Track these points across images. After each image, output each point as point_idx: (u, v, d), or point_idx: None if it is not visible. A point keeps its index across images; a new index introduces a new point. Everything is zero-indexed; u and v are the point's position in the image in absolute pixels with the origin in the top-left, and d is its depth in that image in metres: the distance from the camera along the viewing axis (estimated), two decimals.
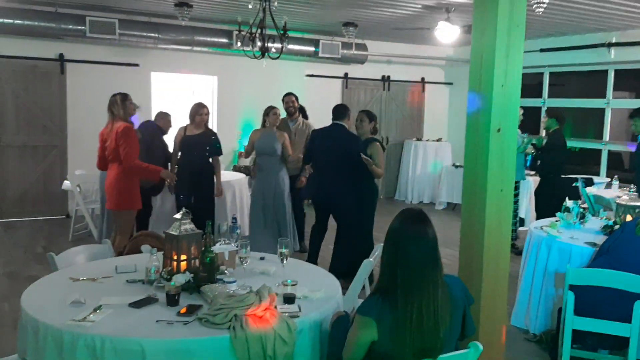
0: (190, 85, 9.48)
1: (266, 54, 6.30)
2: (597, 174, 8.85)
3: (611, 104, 8.90)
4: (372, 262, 3.57)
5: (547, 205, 6.38)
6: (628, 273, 3.34)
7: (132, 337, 2.28)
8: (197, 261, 2.93)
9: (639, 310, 3.22)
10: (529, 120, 9.55)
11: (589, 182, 7.39)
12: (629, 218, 4.46)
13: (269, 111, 6.21)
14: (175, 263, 2.89)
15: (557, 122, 6.91)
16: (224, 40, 8.78)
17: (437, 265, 2.30)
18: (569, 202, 4.77)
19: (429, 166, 10.71)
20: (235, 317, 2.39)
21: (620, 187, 7.01)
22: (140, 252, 3.60)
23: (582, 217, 4.69)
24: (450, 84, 11.47)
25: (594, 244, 4.07)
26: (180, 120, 6.70)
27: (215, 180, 6.13)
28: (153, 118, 6.64)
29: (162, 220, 6.45)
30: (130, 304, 2.59)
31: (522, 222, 8.31)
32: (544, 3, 5.84)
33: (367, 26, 8.70)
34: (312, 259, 5.67)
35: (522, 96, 3.49)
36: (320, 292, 2.80)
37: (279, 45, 6.17)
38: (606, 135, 9.01)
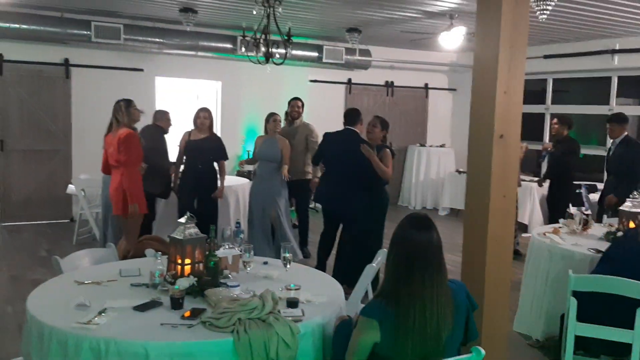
0: (195, 90, 9.52)
1: (270, 59, 6.33)
2: (601, 181, 8.82)
3: (615, 110, 8.90)
4: (375, 268, 3.58)
5: (561, 211, 6.31)
6: (631, 280, 3.34)
7: (137, 340, 2.29)
8: (201, 265, 2.95)
9: None
10: (532, 127, 9.57)
11: (593, 189, 7.39)
12: (631, 225, 4.47)
13: (269, 118, 6.29)
14: (179, 267, 2.91)
15: (569, 128, 6.97)
16: (228, 45, 8.82)
17: (441, 270, 2.31)
18: (572, 209, 4.77)
19: (432, 172, 10.72)
20: (239, 320, 2.41)
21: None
22: (145, 256, 3.61)
23: (585, 223, 4.69)
24: (454, 90, 11.49)
25: (597, 251, 4.07)
26: (184, 125, 6.73)
27: (219, 183, 6.16)
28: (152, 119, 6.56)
29: (165, 224, 6.47)
30: (135, 307, 2.60)
31: (525, 228, 8.31)
32: (547, 10, 5.85)
33: (370, 32, 8.73)
34: (321, 266, 5.59)
35: (526, 102, 3.50)
36: (323, 297, 2.81)
37: (283, 51, 6.20)
38: (609, 142, 9.00)
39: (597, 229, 4.73)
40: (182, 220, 2.98)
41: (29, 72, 8.16)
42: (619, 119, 6.07)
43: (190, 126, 6.21)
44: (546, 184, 7.46)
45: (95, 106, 8.18)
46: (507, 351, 3.64)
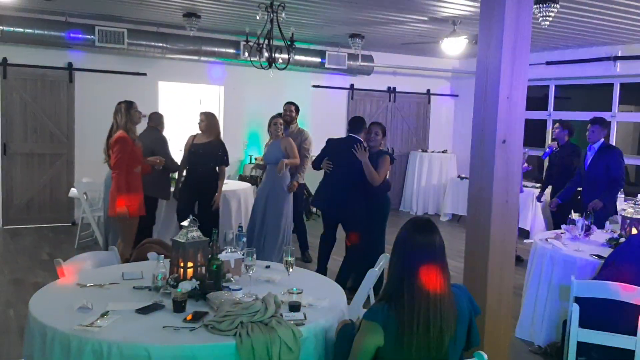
0: (197, 94, 9.54)
1: (273, 64, 6.36)
2: None
3: (617, 117, 8.91)
4: (377, 272, 3.58)
5: (564, 216, 6.24)
6: (634, 286, 3.34)
7: (139, 342, 2.29)
8: (204, 268, 2.95)
9: None
10: (534, 133, 9.57)
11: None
12: (634, 231, 4.47)
13: (270, 121, 6.31)
14: (181, 270, 2.91)
15: (570, 134, 6.96)
16: (231, 50, 8.85)
17: (444, 274, 2.31)
18: (574, 215, 4.77)
19: (434, 178, 10.72)
20: (241, 324, 2.41)
21: (625, 200, 7.00)
22: (147, 259, 3.62)
23: (588, 229, 4.68)
24: (456, 96, 11.50)
25: (599, 256, 4.07)
26: (187, 129, 6.77)
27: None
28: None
29: (167, 228, 6.49)
30: (137, 310, 2.61)
31: (527, 234, 8.31)
32: (550, 16, 5.87)
33: (373, 38, 8.76)
34: (321, 270, 5.64)
35: (528, 109, 3.51)
36: (325, 301, 2.81)
37: (285, 56, 6.22)
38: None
39: (600, 235, 4.73)
40: (185, 223, 2.99)
41: (33, 76, 8.19)
42: (604, 122, 5.96)
43: (191, 130, 6.26)
44: (548, 189, 7.42)
45: (98, 110, 8.18)
46: (509, 357, 3.63)
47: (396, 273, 2.31)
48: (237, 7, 6.99)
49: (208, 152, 6.07)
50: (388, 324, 2.24)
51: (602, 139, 5.89)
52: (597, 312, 3.50)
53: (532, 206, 8.30)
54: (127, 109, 5.24)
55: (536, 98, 9.71)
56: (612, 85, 8.91)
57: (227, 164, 6.22)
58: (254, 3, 6.27)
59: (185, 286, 2.74)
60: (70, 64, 8.35)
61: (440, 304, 2.26)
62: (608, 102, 8.97)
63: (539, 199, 7.65)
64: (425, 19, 7.22)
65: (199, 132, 6.16)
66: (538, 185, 8.29)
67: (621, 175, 5.77)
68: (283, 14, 5.94)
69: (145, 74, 8.74)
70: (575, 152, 6.85)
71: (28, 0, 6.53)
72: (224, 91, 9.49)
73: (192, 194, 6.12)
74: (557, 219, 6.79)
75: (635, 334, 3.24)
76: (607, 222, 5.48)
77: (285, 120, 6.87)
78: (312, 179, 6.91)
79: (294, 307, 2.65)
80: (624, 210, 4.99)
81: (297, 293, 2.75)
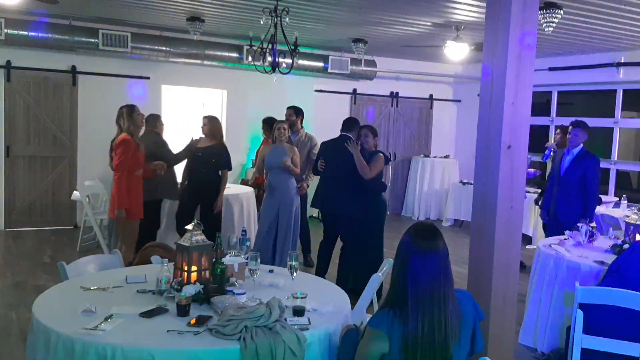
0: (200, 98, 9.55)
1: (277, 69, 6.36)
2: (606, 193, 8.82)
3: (620, 123, 8.91)
4: (380, 277, 3.57)
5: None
6: (638, 292, 3.33)
7: (143, 346, 2.28)
8: (208, 272, 2.94)
9: None
10: (537, 139, 9.56)
11: (598, 201, 7.35)
12: (638, 237, 4.46)
13: (274, 126, 6.25)
14: (185, 274, 2.91)
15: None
16: (234, 54, 8.87)
17: (448, 279, 2.30)
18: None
19: (436, 183, 10.71)
20: (246, 328, 2.40)
21: (628, 206, 6.98)
22: (150, 262, 3.61)
23: (591, 235, 4.68)
24: (458, 101, 11.50)
25: (603, 263, 4.06)
26: (189, 133, 6.77)
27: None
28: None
29: (170, 232, 6.47)
30: (141, 313, 2.60)
31: (529, 240, 8.29)
32: (553, 22, 5.88)
33: (376, 43, 8.76)
34: (321, 273, 5.68)
35: (531, 114, 3.50)
36: (329, 306, 2.80)
37: (289, 61, 6.22)
38: (614, 155, 9.00)
39: (603, 242, 4.72)
40: (189, 227, 2.98)
41: (36, 79, 8.20)
42: (585, 126, 5.80)
43: (193, 133, 6.29)
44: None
45: (101, 113, 8.20)
46: None
47: (399, 279, 2.30)
48: (241, 11, 7.00)
49: (211, 155, 6.06)
50: (393, 331, 2.23)
51: (582, 144, 5.73)
52: (601, 319, 3.48)
53: (533, 211, 8.28)
54: (129, 113, 5.26)
55: (539, 104, 9.71)
56: (615, 91, 8.91)
57: (229, 168, 6.22)
58: (258, 7, 6.28)
59: (189, 290, 2.73)
60: (73, 67, 8.36)
61: (444, 310, 2.24)
62: (611, 108, 8.97)
63: (537, 202, 7.63)
64: (429, 24, 7.23)
65: (202, 135, 6.17)
66: (540, 190, 8.27)
67: (597, 190, 5.62)
68: (287, 19, 5.95)
69: (148, 78, 8.75)
70: None
71: (32, 3, 6.54)
72: (226, 95, 9.50)
73: (194, 198, 6.13)
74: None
75: (639, 341, 3.23)
76: (611, 229, 5.47)
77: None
78: (312, 184, 6.89)
79: (298, 311, 2.64)
80: (627, 216, 4.98)
81: (302, 297, 2.74)
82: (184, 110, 9.36)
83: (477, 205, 3.50)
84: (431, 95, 11.32)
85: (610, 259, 4.09)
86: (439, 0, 6.04)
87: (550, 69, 9.43)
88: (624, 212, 6.55)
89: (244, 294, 2.82)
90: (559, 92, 9.80)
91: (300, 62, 8.84)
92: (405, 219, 10.60)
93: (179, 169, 6.48)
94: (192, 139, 6.27)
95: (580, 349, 3.42)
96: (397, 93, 10.96)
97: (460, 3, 6.09)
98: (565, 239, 4.70)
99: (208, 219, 5.94)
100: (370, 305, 3.63)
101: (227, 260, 3.12)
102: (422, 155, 11.05)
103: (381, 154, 5.56)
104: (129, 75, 8.63)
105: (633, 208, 6.43)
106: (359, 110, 10.59)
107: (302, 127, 7.03)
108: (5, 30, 7.48)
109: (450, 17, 6.77)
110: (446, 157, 11.04)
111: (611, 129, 9.04)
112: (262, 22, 6.00)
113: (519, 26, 3.27)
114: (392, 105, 10.98)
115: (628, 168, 9.11)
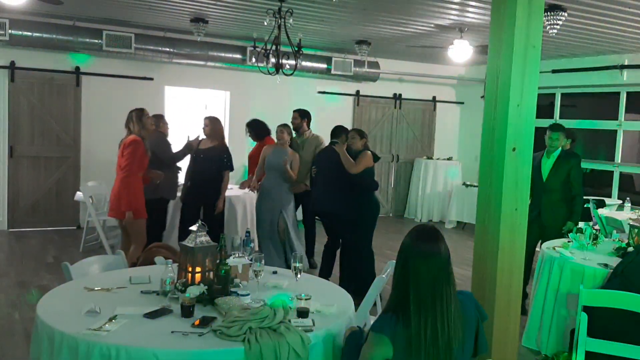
0: (203, 99, 9.56)
1: (280, 70, 6.37)
2: (609, 196, 8.81)
3: (623, 125, 8.89)
4: (384, 279, 3.56)
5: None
6: None
7: (147, 347, 2.28)
8: (212, 273, 2.94)
9: None
10: (540, 141, 9.54)
11: (601, 204, 7.35)
12: None
13: (277, 129, 6.31)
14: (190, 275, 2.91)
15: (572, 142, 6.88)
16: (238, 56, 8.88)
17: (450, 282, 2.29)
18: (581, 223, 4.75)
19: (439, 185, 10.70)
20: (250, 329, 2.40)
21: (632, 209, 6.97)
22: (154, 263, 3.61)
23: (595, 238, 4.66)
24: (462, 103, 11.49)
25: (607, 265, 4.05)
26: (191, 134, 6.77)
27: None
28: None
29: (171, 232, 6.47)
30: (145, 314, 2.60)
31: None
32: (557, 24, 5.87)
33: (380, 44, 8.77)
34: (325, 275, 5.72)
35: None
36: (333, 307, 2.80)
37: (293, 62, 6.23)
38: (618, 157, 8.99)
39: (607, 244, 4.71)
40: (194, 228, 2.98)
41: (40, 80, 8.22)
42: (564, 129, 5.70)
43: (196, 135, 6.29)
44: None
45: (105, 114, 8.25)
46: None
47: (401, 282, 2.30)
48: (245, 13, 7.01)
49: (213, 156, 6.07)
50: (396, 336, 2.23)
51: (560, 147, 5.63)
52: (605, 322, 3.47)
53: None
54: (138, 116, 5.27)
55: (542, 106, 9.69)
56: (618, 94, 8.90)
57: (231, 169, 6.22)
58: (261, 9, 6.29)
59: (194, 291, 2.73)
60: (77, 68, 8.38)
61: (447, 313, 2.24)
62: (614, 110, 8.96)
63: None
64: (432, 26, 7.23)
65: (202, 135, 6.18)
66: None
67: (582, 190, 5.47)
68: (291, 20, 5.95)
69: (152, 79, 8.76)
70: (579, 160, 6.78)
71: (36, 4, 6.56)
72: (229, 96, 9.50)
73: (196, 199, 6.13)
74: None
75: None
76: (614, 231, 5.45)
77: (293, 127, 6.90)
78: None
79: (302, 313, 2.64)
80: (631, 219, 4.97)
81: (306, 299, 2.74)
82: (187, 111, 9.36)
83: (481, 207, 3.50)
84: (434, 97, 11.31)
85: (614, 261, 4.08)
86: (442, 2, 6.04)
87: (554, 71, 9.41)
88: (627, 214, 6.55)
89: (248, 295, 2.82)
90: (563, 94, 9.78)
91: (303, 63, 8.89)
92: (408, 220, 10.59)
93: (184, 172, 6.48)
94: (189, 137, 6.27)
95: (584, 352, 3.41)
96: (400, 95, 10.95)
97: (463, 5, 6.09)
98: (569, 241, 4.68)
99: (210, 219, 5.93)
100: (373, 306, 3.63)
101: (230, 261, 3.11)
102: (425, 157, 11.04)
103: (368, 152, 5.68)
104: (133, 76, 8.65)
105: (637, 211, 6.44)
106: (362, 112, 10.59)
107: (308, 128, 7.04)
108: (10, 31, 7.50)
109: (454, 19, 6.77)
110: (449, 159, 11.03)
111: (615, 132, 9.03)
112: (265, 23, 6.01)
113: (524, 28, 3.27)
114: (395, 107, 10.97)
115: (631, 170, 9.09)
